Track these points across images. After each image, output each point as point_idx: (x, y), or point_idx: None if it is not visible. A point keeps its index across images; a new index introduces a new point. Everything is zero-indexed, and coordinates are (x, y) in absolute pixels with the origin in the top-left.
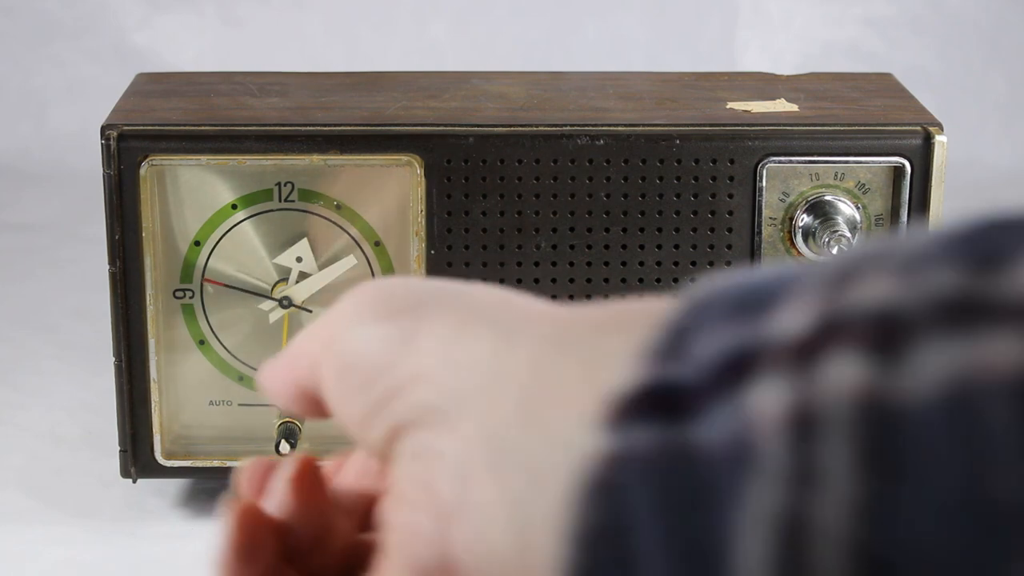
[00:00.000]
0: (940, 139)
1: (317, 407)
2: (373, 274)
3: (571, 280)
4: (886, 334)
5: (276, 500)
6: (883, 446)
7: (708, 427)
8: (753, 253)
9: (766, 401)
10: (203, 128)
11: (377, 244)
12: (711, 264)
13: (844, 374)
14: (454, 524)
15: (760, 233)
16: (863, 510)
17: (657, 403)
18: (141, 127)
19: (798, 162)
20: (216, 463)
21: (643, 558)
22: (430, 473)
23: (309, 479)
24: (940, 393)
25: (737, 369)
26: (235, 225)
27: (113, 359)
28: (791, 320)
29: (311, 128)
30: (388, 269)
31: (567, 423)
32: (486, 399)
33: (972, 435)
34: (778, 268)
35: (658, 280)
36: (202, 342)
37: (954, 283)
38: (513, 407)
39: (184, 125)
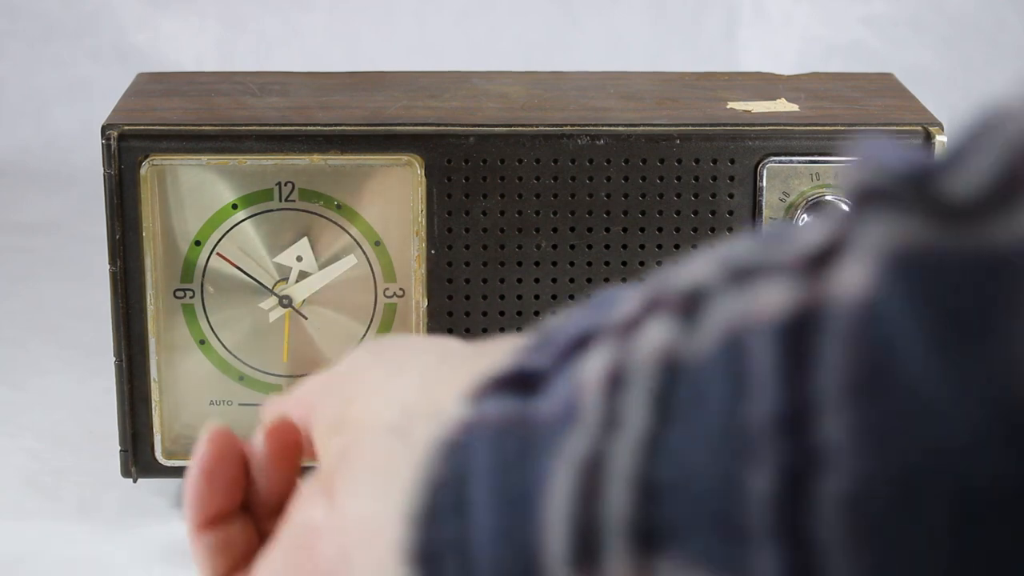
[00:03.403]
0: (940, 139)
1: (296, 446)
2: (373, 274)
3: (571, 280)
4: (690, 300)
5: (255, 448)
6: (667, 392)
7: (550, 396)
8: None
9: (593, 367)
10: (203, 128)
11: (377, 244)
12: None
13: (654, 336)
14: (335, 498)
15: None
16: (644, 446)
17: (514, 382)
18: (141, 127)
19: (798, 162)
20: None
21: (475, 503)
22: (336, 462)
23: (283, 437)
24: (719, 339)
25: (580, 347)
26: (235, 225)
27: (113, 359)
28: (629, 304)
29: (311, 128)
30: (388, 269)
31: (445, 404)
32: (381, 408)
33: (738, 370)
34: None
35: None
36: (202, 342)
37: (743, 255)
38: (398, 411)
39: (184, 125)
